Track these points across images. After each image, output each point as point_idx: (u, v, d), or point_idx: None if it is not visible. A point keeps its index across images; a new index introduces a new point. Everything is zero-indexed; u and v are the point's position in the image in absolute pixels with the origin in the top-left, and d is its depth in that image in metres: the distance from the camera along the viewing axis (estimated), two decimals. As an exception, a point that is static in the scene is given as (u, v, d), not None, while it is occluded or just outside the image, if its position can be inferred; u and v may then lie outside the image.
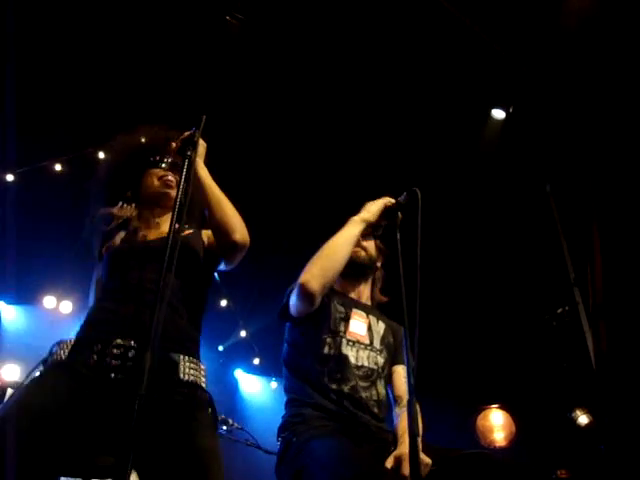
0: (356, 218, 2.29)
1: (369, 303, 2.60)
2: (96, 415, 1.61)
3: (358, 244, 2.41)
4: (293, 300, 2.24)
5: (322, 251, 2.19)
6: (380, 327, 2.51)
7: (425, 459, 1.99)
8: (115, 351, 1.67)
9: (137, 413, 1.31)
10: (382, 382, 2.38)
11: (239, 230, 1.87)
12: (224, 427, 3.88)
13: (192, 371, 1.74)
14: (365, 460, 1.96)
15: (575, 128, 4.76)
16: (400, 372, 2.46)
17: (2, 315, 6.58)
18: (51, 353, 1.75)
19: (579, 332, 4.71)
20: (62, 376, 1.65)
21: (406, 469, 1.92)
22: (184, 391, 1.69)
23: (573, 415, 5.21)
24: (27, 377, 1.74)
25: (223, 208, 1.89)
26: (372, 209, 2.28)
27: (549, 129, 4.86)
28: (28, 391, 1.62)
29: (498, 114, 5.00)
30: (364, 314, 2.47)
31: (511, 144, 5.01)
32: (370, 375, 2.32)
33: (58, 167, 5.57)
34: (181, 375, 1.71)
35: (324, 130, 5.13)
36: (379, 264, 2.64)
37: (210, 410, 1.74)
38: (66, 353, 1.71)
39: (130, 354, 1.66)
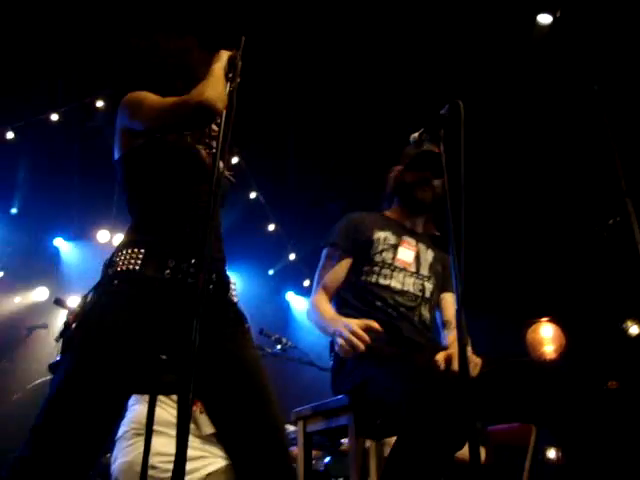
0: None
1: (422, 232, 2.66)
2: (164, 330, 1.64)
3: (428, 184, 2.50)
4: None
5: None
6: (429, 255, 2.58)
7: (475, 358, 2.03)
8: (192, 270, 1.65)
9: (199, 331, 1.33)
10: (427, 307, 2.46)
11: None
12: (278, 346, 4.02)
13: (235, 291, 1.85)
14: (433, 368, 2.00)
15: (626, 28, 4.50)
16: (448, 299, 2.56)
17: (61, 251, 6.87)
18: (113, 262, 1.67)
19: (631, 243, 4.62)
20: (135, 288, 1.62)
21: (456, 365, 1.92)
22: (234, 308, 1.81)
23: (624, 326, 5.19)
24: (90, 294, 1.66)
25: None
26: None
27: (598, 29, 4.60)
28: (103, 306, 1.60)
29: (544, 19, 4.76)
30: (414, 242, 2.55)
31: (558, 46, 4.78)
32: (414, 300, 2.42)
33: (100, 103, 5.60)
34: (232, 294, 1.81)
35: (368, 44, 4.99)
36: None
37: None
38: (137, 264, 1.64)
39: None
